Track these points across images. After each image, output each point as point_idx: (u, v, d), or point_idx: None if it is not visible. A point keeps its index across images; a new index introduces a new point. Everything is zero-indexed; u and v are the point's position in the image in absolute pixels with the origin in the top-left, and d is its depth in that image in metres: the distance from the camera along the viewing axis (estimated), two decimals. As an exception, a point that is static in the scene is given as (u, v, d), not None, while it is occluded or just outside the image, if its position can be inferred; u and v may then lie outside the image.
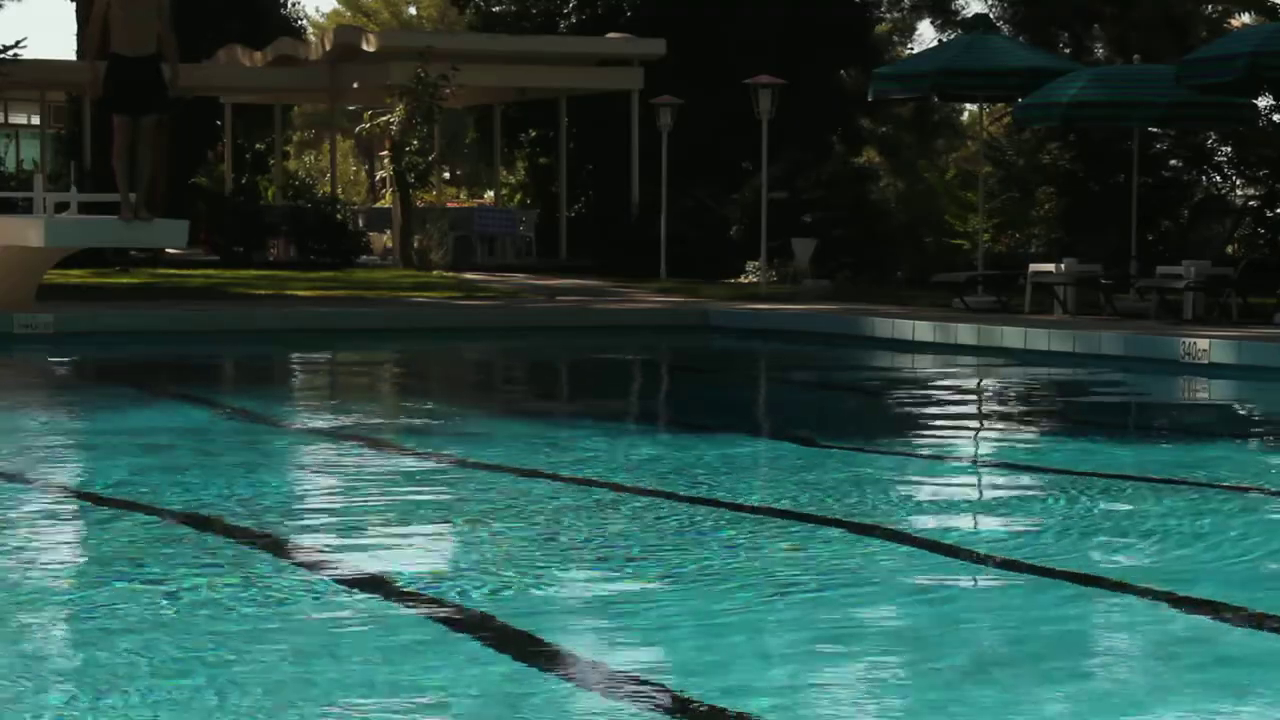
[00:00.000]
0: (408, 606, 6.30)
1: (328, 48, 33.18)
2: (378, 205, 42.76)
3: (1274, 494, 9.24)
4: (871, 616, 6.35)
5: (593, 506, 8.57)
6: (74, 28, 35.15)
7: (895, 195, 29.42)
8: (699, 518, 8.13)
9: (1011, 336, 17.38)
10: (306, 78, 34.17)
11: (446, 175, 53.36)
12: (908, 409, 13.99)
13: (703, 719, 5.02)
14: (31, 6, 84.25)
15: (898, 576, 7.02)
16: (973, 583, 6.95)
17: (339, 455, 10.62)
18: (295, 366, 17.82)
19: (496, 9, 36.17)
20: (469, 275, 28.56)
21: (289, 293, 23.24)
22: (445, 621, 6.05)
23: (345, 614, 6.25)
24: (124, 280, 25.51)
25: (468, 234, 32.10)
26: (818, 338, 19.24)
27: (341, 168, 54.44)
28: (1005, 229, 27.33)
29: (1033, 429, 12.74)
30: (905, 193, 29.23)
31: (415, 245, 30.64)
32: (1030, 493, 9.44)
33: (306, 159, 58.81)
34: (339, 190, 41.68)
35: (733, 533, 7.78)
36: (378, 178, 56.45)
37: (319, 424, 12.34)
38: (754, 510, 8.35)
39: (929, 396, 14.93)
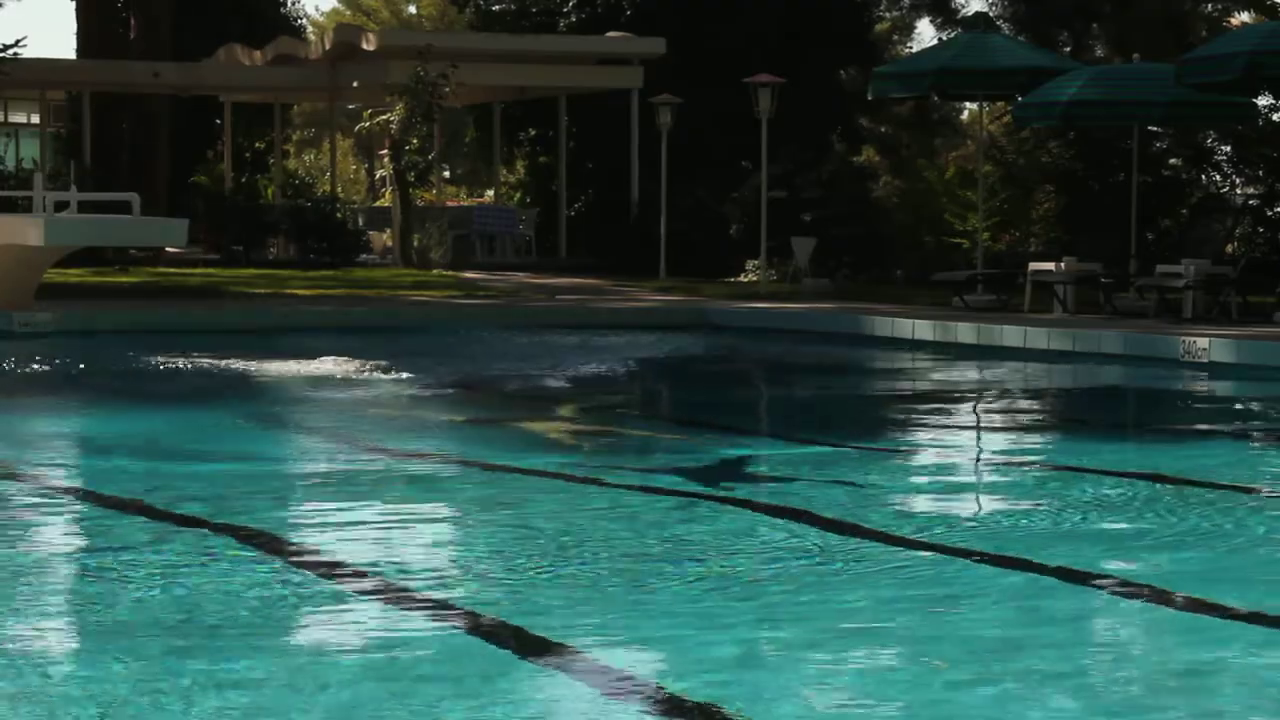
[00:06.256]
0: (418, 608, 6.32)
1: (327, 46, 33.20)
2: (377, 204, 42.76)
3: (1273, 492, 9.24)
4: (870, 616, 6.35)
5: (595, 506, 8.58)
6: (74, 27, 35.14)
7: (895, 194, 29.42)
8: (698, 516, 8.14)
9: (1011, 335, 17.38)
10: (306, 77, 34.18)
11: (446, 174, 53.34)
12: (906, 407, 13.98)
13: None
14: (31, 6, 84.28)
15: (893, 575, 7.03)
16: (969, 581, 6.95)
17: (338, 454, 10.61)
18: (294, 365, 17.79)
19: (496, 8, 36.17)
20: (468, 274, 28.57)
21: (288, 291, 23.24)
22: (454, 624, 6.06)
23: (348, 614, 6.26)
24: (123, 279, 25.51)
25: (467, 233, 32.10)
26: (817, 336, 19.23)
27: (341, 167, 54.43)
28: (1005, 228, 27.34)
29: (1031, 427, 12.73)
30: (905, 192, 29.23)
31: (415, 244, 30.64)
32: (1029, 491, 9.43)
33: (306, 158, 58.82)
34: (339, 189, 41.68)
35: (730, 528, 7.80)
36: (377, 177, 56.43)
37: (318, 422, 12.33)
38: (750, 507, 8.36)
39: (927, 395, 14.93)
